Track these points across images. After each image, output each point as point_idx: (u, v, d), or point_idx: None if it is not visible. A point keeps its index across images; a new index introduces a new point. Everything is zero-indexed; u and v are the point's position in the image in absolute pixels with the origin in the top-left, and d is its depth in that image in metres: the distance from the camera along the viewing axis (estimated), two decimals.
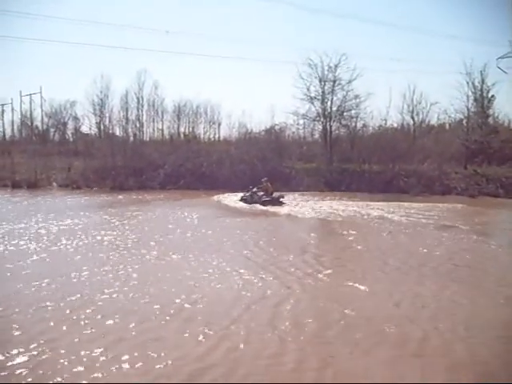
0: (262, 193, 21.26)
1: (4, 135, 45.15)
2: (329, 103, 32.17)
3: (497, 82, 33.43)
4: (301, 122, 35.46)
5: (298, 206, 20.59)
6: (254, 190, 21.48)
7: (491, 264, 10.34)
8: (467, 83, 32.82)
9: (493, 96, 34.27)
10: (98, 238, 12.50)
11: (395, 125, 35.38)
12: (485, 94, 34.12)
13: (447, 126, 37.21)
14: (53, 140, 44.55)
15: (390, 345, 5.71)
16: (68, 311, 6.73)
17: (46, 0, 52.85)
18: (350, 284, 8.26)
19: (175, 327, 6.24)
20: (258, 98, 64.49)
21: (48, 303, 7.07)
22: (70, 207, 19.81)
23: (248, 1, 69.93)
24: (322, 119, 32.53)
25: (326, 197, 24.19)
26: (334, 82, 31.90)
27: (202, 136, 40.91)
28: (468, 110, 33.12)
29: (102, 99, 38.82)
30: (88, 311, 6.73)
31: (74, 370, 4.98)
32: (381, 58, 71.07)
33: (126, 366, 5.10)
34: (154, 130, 41.01)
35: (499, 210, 21.56)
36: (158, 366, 5.09)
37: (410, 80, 35.83)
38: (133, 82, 38.33)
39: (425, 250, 11.27)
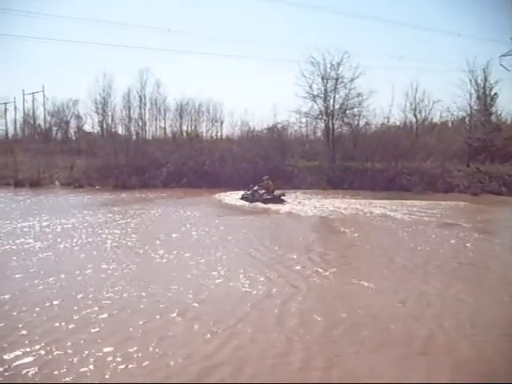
0: (263, 191, 21.26)
1: (7, 134, 45.35)
2: (331, 101, 32.24)
3: (499, 80, 33.42)
4: (303, 120, 35.53)
5: (301, 204, 20.60)
6: (255, 188, 21.48)
7: (494, 262, 10.34)
8: (470, 81, 32.83)
9: (495, 94, 34.26)
10: (103, 236, 12.54)
11: (398, 123, 35.50)
12: (487, 92, 34.07)
13: (450, 124, 37.13)
14: (55, 139, 44.67)
15: (395, 343, 5.71)
16: (74, 310, 6.73)
17: None
18: (356, 282, 8.26)
19: (182, 326, 6.24)
20: (261, 96, 64.51)
21: (54, 302, 7.10)
22: (74, 206, 19.87)
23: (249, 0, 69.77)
24: (324, 117, 32.59)
25: (329, 195, 24.20)
26: (337, 79, 31.93)
27: (204, 134, 40.90)
28: (471, 107, 33.12)
29: (104, 98, 38.89)
30: (94, 310, 6.75)
31: (82, 369, 4.99)
32: (383, 56, 71.29)
33: (133, 365, 5.10)
34: (156, 128, 41.13)
35: (502, 207, 21.54)
36: (165, 366, 5.10)
37: (412, 78, 35.92)
38: (135, 80, 38.35)
39: (428, 248, 11.28)
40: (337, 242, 12.55)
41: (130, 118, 37.46)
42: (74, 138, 45.01)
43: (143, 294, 7.53)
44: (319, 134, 36.26)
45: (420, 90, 34.61)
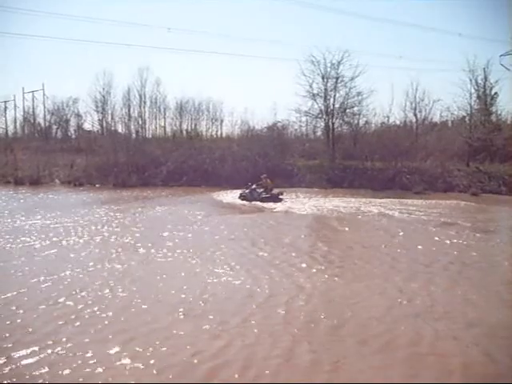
0: (261, 189, 21.25)
1: (7, 132, 45.34)
2: (331, 100, 32.14)
3: (500, 80, 33.34)
4: (303, 119, 35.48)
5: (300, 202, 20.61)
6: (254, 186, 21.45)
7: (498, 262, 10.30)
8: (470, 80, 32.74)
9: (496, 93, 34.21)
10: (106, 234, 12.57)
11: (398, 122, 35.48)
12: (488, 92, 34.04)
13: (450, 124, 37.11)
14: (55, 137, 44.63)
15: (402, 344, 5.71)
16: (77, 309, 6.74)
17: None
18: (360, 281, 8.29)
19: (187, 325, 6.23)
20: (261, 95, 64.63)
21: (58, 300, 7.12)
22: (74, 204, 19.86)
23: None
24: (324, 116, 32.52)
25: (328, 194, 24.17)
26: (337, 78, 31.85)
27: (204, 133, 40.93)
28: (471, 107, 33.03)
29: (104, 96, 39.01)
30: (98, 309, 6.75)
31: (88, 369, 4.99)
32: (383, 56, 71.23)
33: (139, 365, 5.10)
34: (156, 127, 41.17)
35: (502, 207, 21.51)
36: (172, 365, 5.10)
37: (412, 77, 35.91)
38: (135, 78, 38.49)
39: (432, 248, 11.26)
40: (338, 241, 12.54)
41: (129, 116, 37.58)
42: (73, 136, 44.95)
43: (147, 292, 7.54)
44: (319, 133, 36.30)
45: (420, 90, 34.67)
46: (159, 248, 10.80)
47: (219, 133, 42.26)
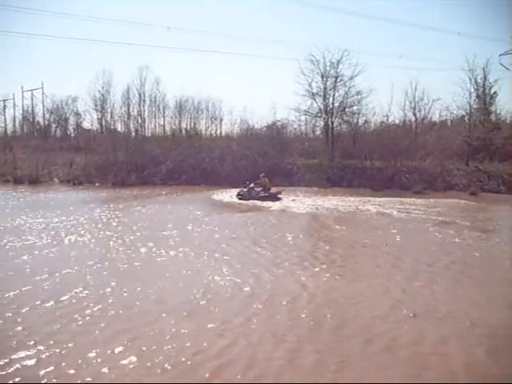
0: (259, 188, 21.23)
1: (6, 131, 45.25)
2: (331, 99, 32.13)
3: (499, 79, 33.47)
4: (302, 118, 35.52)
5: (299, 201, 20.60)
6: (251, 185, 21.43)
7: (499, 262, 10.30)
8: (469, 80, 32.77)
9: (495, 93, 34.30)
10: (107, 233, 12.55)
11: (397, 121, 35.46)
12: (487, 91, 34.11)
13: (449, 123, 37.17)
14: (54, 136, 44.58)
15: (405, 344, 5.71)
16: (80, 308, 6.73)
17: None
18: (363, 280, 8.30)
19: (191, 324, 6.21)
20: (260, 94, 64.55)
21: (60, 298, 7.11)
22: (74, 203, 19.83)
23: None
24: (323, 115, 32.50)
25: (328, 193, 24.18)
26: (336, 78, 31.83)
27: (203, 132, 40.89)
28: (470, 106, 33.06)
29: (103, 95, 39.02)
30: (101, 308, 6.75)
31: (93, 369, 4.98)
32: (383, 55, 71.25)
33: (143, 364, 5.10)
34: (155, 125, 41.14)
35: (501, 206, 21.55)
36: (175, 365, 5.10)
37: (412, 76, 35.93)
38: (134, 77, 38.46)
39: (432, 248, 11.26)
40: (339, 240, 12.49)
41: (129, 115, 37.57)
42: (73, 135, 44.90)
43: (150, 291, 7.52)
44: (318, 132, 36.27)
45: (420, 89, 34.73)
46: (160, 247, 10.79)
47: (218, 132, 42.34)
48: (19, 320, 6.27)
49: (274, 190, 21.56)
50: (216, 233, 12.82)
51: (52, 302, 6.96)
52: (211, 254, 10.14)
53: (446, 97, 51.48)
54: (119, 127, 38.27)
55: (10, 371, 4.91)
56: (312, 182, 27.84)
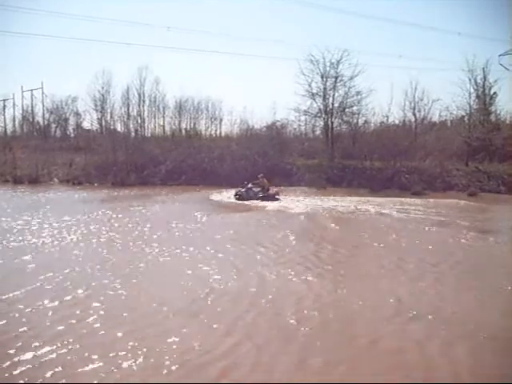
0: (258, 189, 21.23)
1: (5, 131, 45.16)
2: (330, 99, 32.20)
3: (499, 79, 33.54)
4: (302, 118, 35.55)
5: (298, 202, 20.63)
6: (250, 185, 21.44)
7: (501, 262, 10.33)
8: (469, 80, 32.82)
9: (495, 93, 34.36)
10: (108, 233, 12.56)
11: (397, 121, 35.51)
12: (487, 91, 34.15)
13: (449, 123, 37.21)
14: (54, 136, 44.53)
15: (411, 345, 5.70)
16: (85, 309, 6.71)
17: None
18: (368, 280, 8.32)
19: (196, 325, 6.21)
20: (260, 94, 64.53)
21: (65, 298, 7.12)
22: (74, 203, 19.85)
23: None
24: (323, 115, 32.55)
25: (327, 193, 24.20)
26: (336, 78, 31.89)
27: (203, 132, 40.88)
28: (470, 106, 33.11)
29: (103, 95, 39.00)
30: (105, 309, 6.73)
31: (98, 370, 4.98)
32: (383, 55, 71.26)
33: (148, 365, 5.09)
34: (155, 126, 41.11)
35: (501, 206, 21.61)
36: (180, 365, 5.08)
37: (411, 77, 35.89)
38: (134, 77, 38.43)
39: (433, 248, 11.25)
40: (342, 241, 12.45)
41: (128, 115, 37.56)
42: (72, 135, 44.84)
43: (154, 292, 7.52)
44: (318, 132, 36.28)
45: (419, 89, 34.69)
46: (163, 247, 10.78)
47: (218, 132, 42.35)
48: (24, 320, 6.26)
49: (272, 190, 21.56)
50: (217, 233, 12.80)
51: (56, 303, 6.94)
52: (214, 255, 10.13)
53: (446, 97, 51.31)
54: (119, 127, 38.34)
55: (16, 372, 4.89)
56: (312, 182, 27.84)
